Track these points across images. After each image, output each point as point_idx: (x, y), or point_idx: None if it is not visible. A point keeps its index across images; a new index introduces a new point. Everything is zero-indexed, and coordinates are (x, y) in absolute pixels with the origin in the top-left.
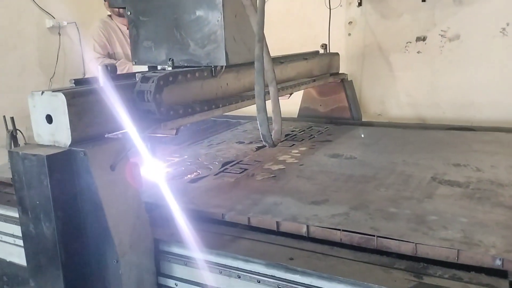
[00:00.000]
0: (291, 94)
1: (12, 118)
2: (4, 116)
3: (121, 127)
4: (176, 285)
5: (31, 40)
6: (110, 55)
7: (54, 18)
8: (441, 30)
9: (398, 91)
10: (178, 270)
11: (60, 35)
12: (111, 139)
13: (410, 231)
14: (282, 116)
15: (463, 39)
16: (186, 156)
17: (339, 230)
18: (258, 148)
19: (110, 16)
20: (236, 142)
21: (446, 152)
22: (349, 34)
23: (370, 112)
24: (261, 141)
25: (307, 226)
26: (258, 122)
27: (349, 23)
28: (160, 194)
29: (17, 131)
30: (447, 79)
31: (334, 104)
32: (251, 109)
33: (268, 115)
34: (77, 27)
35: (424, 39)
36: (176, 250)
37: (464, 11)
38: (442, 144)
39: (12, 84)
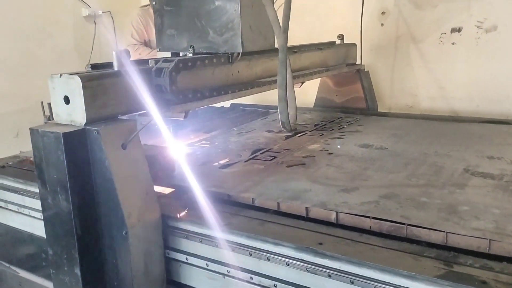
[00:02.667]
0: (303, 82)
1: (49, 104)
2: (41, 102)
3: (133, 109)
4: (207, 265)
5: (68, 29)
6: (146, 43)
7: (89, 7)
8: (477, 21)
9: (431, 84)
10: (208, 251)
11: (95, 23)
12: (123, 120)
13: (441, 221)
14: (298, 106)
15: (500, 30)
16: (216, 143)
17: (369, 217)
18: (288, 137)
19: (148, 5)
20: (266, 131)
21: (480, 144)
22: (382, 25)
23: (401, 103)
24: (291, 130)
25: (337, 213)
26: (278, 110)
27: (382, 13)
28: (192, 178)
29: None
30: (482, 72)
31: (349, 94)
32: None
33: None
34: (112, 16)
35: (459, 30)
36: (207, 232)
37: (502, 1)
38: (476, 137)
39: (49, 71)
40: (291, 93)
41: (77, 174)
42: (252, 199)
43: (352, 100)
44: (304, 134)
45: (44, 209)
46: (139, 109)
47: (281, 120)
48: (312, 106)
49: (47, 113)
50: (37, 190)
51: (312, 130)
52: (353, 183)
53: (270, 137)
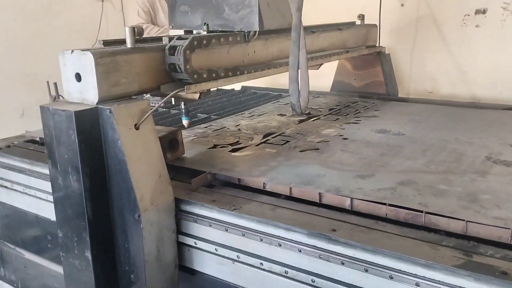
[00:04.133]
0: (321, 64)
1: (55, 84)
2: (47, 82)
3: (146, 88)
4: (216, 250)
5: (75, 7)
6: (153, 22)
7: None
8: (504, 2)
9: (452, 68)
10: (217, 235)
11: (103, 1)
12: (136, 99)
13: (460, 209)
14: (312, 89)
15: None
16: (226, 127)
17: (385, 204)
18: (301, 121)
19: None
20: (278, 115)
21: (503, 132)
22: (402, 5)
23: (420, 89)
24: (304, 114)
25: (351, 199)
26: (289, 91)
27: None
28: (202, 161)
29: (60, 97)
30: (507, 57)
31: (369, 78)
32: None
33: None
34: None
35: (484, 11)
36: (216, 215)
37: None
38: (499, 124)
39: (57, 51)
40: (304, 75)
41: (89, 155)
42: (264, 183)
43: (371, 85)
44: (318, 119)
45: (54, 190)
46: (152, 89)
47: (291, 102)
48: (328, 90)
49: (53, 93)
50: (43, 171)
51: (327, 115)
52: (369, 169)
53: (283, 121)
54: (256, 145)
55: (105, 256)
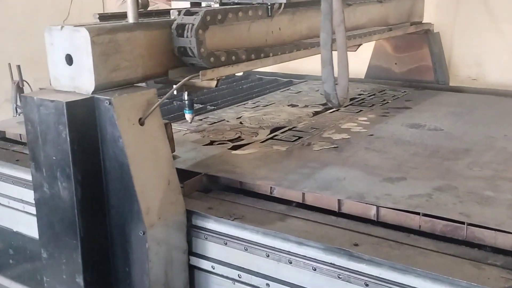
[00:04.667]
0: (359, 45)
1: (18, 67)
2: (9, 64)
3: (153, 73)
4: (213, 268)
5: None
6: None
7: None
8: None
9: (501, 50)
10: (215, 250)
11: None
12: (141, 88)
13: (510, 220)
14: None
15: None
16: (225, 119)
17: (418, 214)
18: (316, 113)
19: None
20: (288, 105)
21: None
22: None
23: (461, 75)
24: (320, 105)
25: (377, 208)
26: (322, 77)
27: None
28: (196, 160)
29: (24, 82)
30: None
31: (414, 62)
32: (307, 67)
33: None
34: None
35: None
36: (213, 226)
37: None
38: None
39: (20, 28)
40: (342, 57)
41: (82, 156)
42: (271, 187)
43: (417, 71)
44: (337, 110)
45: (38, 201)
46: (158, 74)
47: (325, 91)
48: (361, 77)
49: (16, 78)
50: (18, 174)
51: (347, 106)
52: (398, 171)
53: (294, 112)
54: (262, 142)
55: (101, 282)
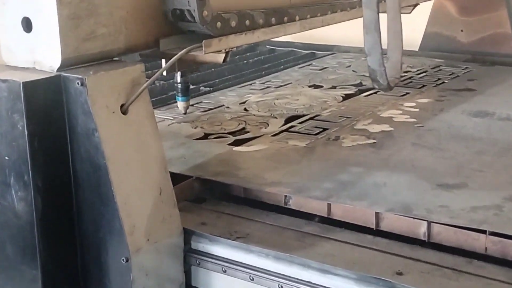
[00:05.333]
0: (415, 5)
1: None
2: None
3: (139, 44)
4: None
5: None
6: None
7: None
8: None
9: None
10: (210, 280)
11: None
12: (123, 63)
13: None
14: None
15: None
16: (225, 105)
17: (485, 232)
18: (347, 97)
19: None
20: (309, 86)
21: None
22: None
23: None
24: (352, 85)
25: (428, 224)
26: (365, 47)
27: None
28: (185, 160)
29: None
30: None
31: (486, 29)
32: (334, 34)
33: None
34: None
35: None
36: (208, 248)
37: None
38: None
39: None
40: (394, 20)
41: (45, 156)
42: (285, 196)
43: (490, 40)
44: (375, 93)
45: None
46: (146, 45)
47: (369, 66)
48: (415, 49)
49: None
50: None
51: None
52: (458, 175)
53: (317, 96)
54: (274, 135)
55: None
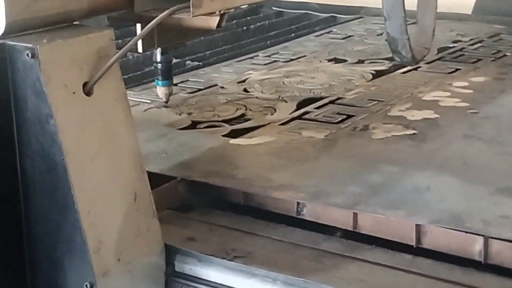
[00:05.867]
0: None
1: None
2: None
3: (108, 3)
4: None
5: None
6: None
7: None
8: None
9: None
10: None
11: None
12: (88, 28)
13: None
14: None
15: None
16: (219, 85)
17: None
18: (378, 74)
19: None
20: (329, 60)
21: None
22: None
23: None
24: (385, 59)
25: (486, 240)
26: (384, 10)
27: None
28: (166, 156)
29: None
30: None
31: None
32: None
33: None
34: None
35: None
36: (197, 271)
37: None
38: None
39: None
40: None
41: None
42: (298, 204)
43: None
44: (415, 69)
45: None
46: (117, 5)
47: (389, 35)
48: (467, 12)
49: None
50: None
51: (434, 61)
52: None
53: (339, 73)
54: (282, 124)
55: None
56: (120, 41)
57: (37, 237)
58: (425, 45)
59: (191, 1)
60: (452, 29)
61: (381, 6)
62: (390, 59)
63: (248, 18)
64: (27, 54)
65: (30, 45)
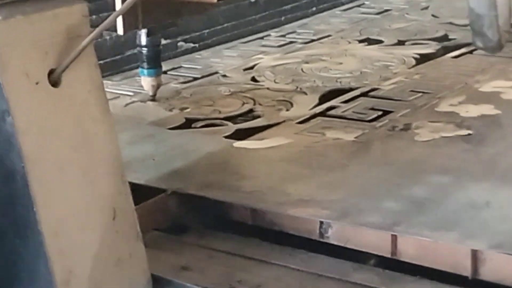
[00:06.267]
0: None
1: None
2: None
3: None
4: None
5: None
6: None
7: None
8: None
9: None
10: None
11: None
12: (55, 2)
13: None
14: None
15: None
16: (219, 72)
17: None
18: (423, 59)
19: None
20: (360, 41)
21: None
22: None
23: None
24: (430, 39)
25: None
26: None
27: None
28: (154, 162)
29: None
30: None
31: None
32: None
33: None
34: None
35: None
36: None
37: None
38: None
39: None
40: None
41: None
42: (321, 224)
43: None
44: (470, 53)
45: None
46: None
47: (472, 10)
48: None
49: None
50: None
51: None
52: None
53: (373, 57)
54: (301, 122)
55: None
56: (94, 17)
57: None
58: (505, 28)
59: None
60: None
61: None
62: (438, 39)
63: None
64: None
65: None
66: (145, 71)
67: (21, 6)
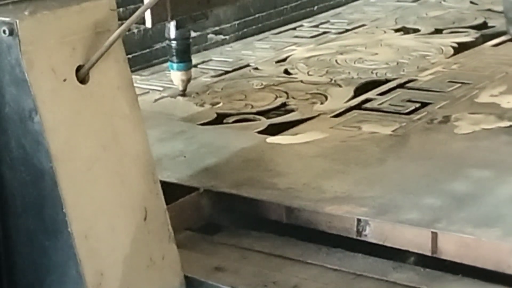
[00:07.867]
0: None
1: None
2: None
3: None
4: None
5: None
6: None
7: None
8: None
9: None
10: None
11: None
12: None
13: None
14: None
15: None
16: (251, 64)
17: None
18: (462, 48)
19: None
20: (396, 30)
21: None
22: None
23: None
24: (470, 27)
25: None
26: None
27: None
28: (185, 159)
29: None
30: None
31: None
32: None
33: None
34: None
35: None
36: None
37: None
38: None
39: None
40: None
41: None
42: (358, 221)
43: None
44: (511, 40)
45: None
46: None
47: (506, 7)
48: None
49: None
50: None
51: None
52: None
53: (410, 46)
54: (336, 116)
55: None
56: (121, 9)
57: (18, 268)
58: None
59: None
60: None
61: None
62: (478, 27)
63: None
64: (4, 31)
65: (7, 19)
66: (175, 65)
67: (47, 1)
